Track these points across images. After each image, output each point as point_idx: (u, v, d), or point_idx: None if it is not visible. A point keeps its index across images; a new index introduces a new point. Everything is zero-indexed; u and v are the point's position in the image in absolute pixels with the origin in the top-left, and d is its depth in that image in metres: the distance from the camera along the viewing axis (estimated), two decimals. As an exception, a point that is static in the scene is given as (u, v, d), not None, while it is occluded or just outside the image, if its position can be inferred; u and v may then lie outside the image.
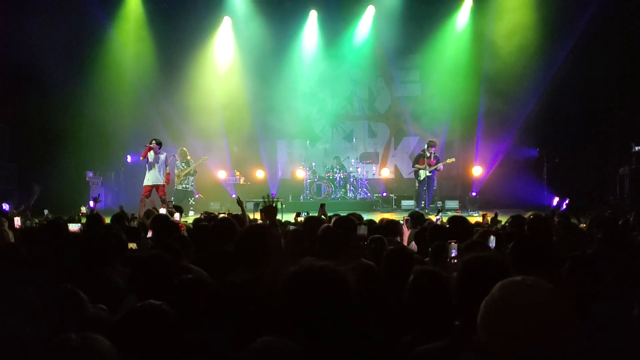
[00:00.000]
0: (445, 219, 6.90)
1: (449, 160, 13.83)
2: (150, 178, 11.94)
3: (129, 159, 16.53)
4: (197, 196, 15.02)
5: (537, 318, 1.59)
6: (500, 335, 1.63)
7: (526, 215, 6.33)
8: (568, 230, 5.65)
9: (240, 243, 3.32)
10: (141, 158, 12.08)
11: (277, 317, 2.20)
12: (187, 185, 13.88)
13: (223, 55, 17.28)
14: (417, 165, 13.67)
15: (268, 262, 3.25)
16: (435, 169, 13.55)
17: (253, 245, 3.25)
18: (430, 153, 13.56)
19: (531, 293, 1.63)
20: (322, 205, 7.12)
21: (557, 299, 1.63)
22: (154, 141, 12.01)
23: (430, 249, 4.10)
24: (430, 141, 13.74)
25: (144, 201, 11.56)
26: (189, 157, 13.94)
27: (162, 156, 12.08)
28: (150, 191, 11.89)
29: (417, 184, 13.82)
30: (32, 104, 13.73)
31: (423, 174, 13.47)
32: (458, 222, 5.16)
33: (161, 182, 11.92)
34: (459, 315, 2.27)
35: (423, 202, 13.50)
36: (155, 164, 11.90)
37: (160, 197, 11.77)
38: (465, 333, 2.05)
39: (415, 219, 6.62)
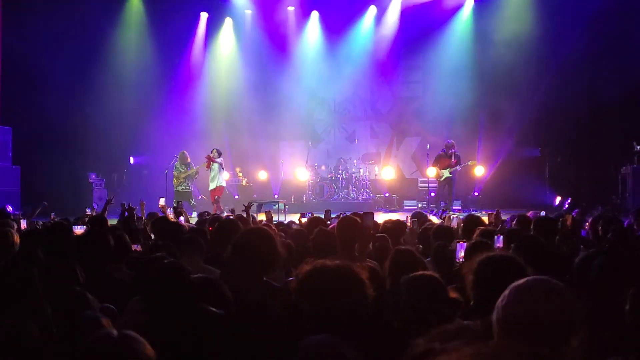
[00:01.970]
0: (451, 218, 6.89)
1: (470, 163, 13.83)
2: (212, 183, 13.52)
3: (131, 160, 16.56)
4: (199, 197, 15.04)
5: (553, 324, 1.60)
6: (517, 339, 1.64)
7: (528, 214, 6.35)
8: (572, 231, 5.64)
9: (236, 246, 3.29)
10: (206, 168, 13.63)
11: (290, 318, 2.20)
12: (186, 187, 13.93)
13: (225, 57, 17.31)
14: (437, 166, 13.63)
15: (266, 263, 3.22)
16: (455, 170, 13.52)
17: (251, 248, 3.21)
18: (452, 153, 13.53)
19: (548, 298, 1.65)
20: (328, 211, 7.14)
21: (573, 304, 1.65)
22: (215, 150, 13.61)
23: (432, 249, 4.11)
24: (448, 142, 13.68)
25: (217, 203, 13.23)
26: (189, 160, 14.00)
27: (220, 160, 13.57)
28: (215, 193, 13.43)
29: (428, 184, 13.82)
30: (35, 106, 13.77)
31: (444, 174, 13.44)
32: (473, 222, 5.16)
33: (223, 184, 13.66)
34: (477, 315, 2.28)
35: (447, 201, 13.46)
36: (213, 171, 13.49)
37: (216, 198, 13.34)
38: (485, 332, 2.05)
39: (421, 219, 6.64)
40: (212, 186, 13.54)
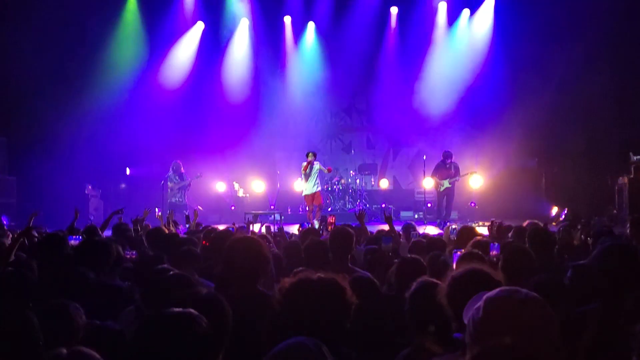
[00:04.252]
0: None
1: (470, 173, 13.74)
2: (308, 188, 12.93)
3: (128, 171, 16.53)
4: (196, 208, 14.99)
5: (525, 336, 1.58)
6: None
7: (524, 224, 6.33)
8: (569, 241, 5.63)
9: (226, 257, 3.29)
10: (303, 171, 12.90)
11: (277, 330, 2.19)
12: (180, 199, 13.91)
13: (221, 67, 17.35)
14: (435, 177, 13.54)
15: (260, 275, 3.21)
16: (455, 180, 13.37)
17: (243, 259, 3.20)
18: (449, 164, 13.42)
19: (518, 311, 1.63)
20: (324, 218, 7.14)
21: (543, 314, 1.63)
22: (310, 154, 12.89)
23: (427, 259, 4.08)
24: (446, 152, 13.47)
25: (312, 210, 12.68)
26: (182, 170, 14.00)
27: (317, 166, 13.01)
28: (312, 200, 12.82)
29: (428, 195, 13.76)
30: (30, 117, 13.75)
31: (444, 184, 13.34)
32: (467, 233, 5.14)
33: (319, 189, 13.07)
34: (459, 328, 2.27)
35: (445, 211, 13.34)
36: (313, 175, 12.90)
37: (318, 205, 12.75)
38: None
39: (407, 231, 6.67)
40: (309, 191, 12.95)
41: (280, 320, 2.14)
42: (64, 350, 1.72)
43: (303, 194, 13.26)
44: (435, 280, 2.92)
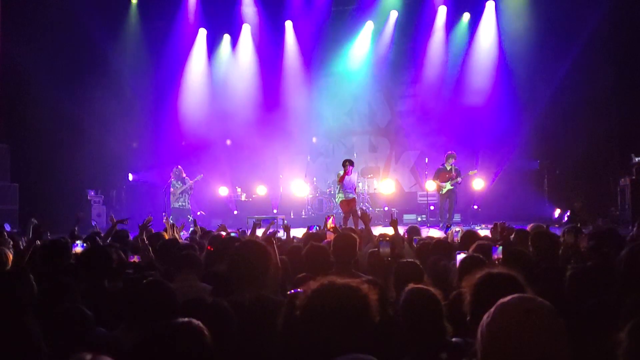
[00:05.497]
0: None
1: (470, 173, 13.70)
2: (344, 196, 12.32)
3: (130, 177, 16.54)
4: (198, 213, 15.00)
5: (534, 344, 1.57)
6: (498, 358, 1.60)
7: (528, 228, 6.30)
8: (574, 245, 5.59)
9: (234, 261, 3.29)
10: (339, 182, 12.34)
11: (291, 336, 2.17)
12: (183, 203, 13.91)
13: (223, 72, 17.38)
14: (437, 180, 13.52)
15: (266, 279, 3.21)
16: (456, 182, 13.37)
17: (248, 263, 3.20)
18: (451, 166, 13.38)
19: (529, 319, 1.61)
20: (328, 218, 7.11)
21: (554, 324, 1.61)
22: (347, 162, 12.27)
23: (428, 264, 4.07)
24: (449, 154, 13.48)
25: (348, 218, 12.04)
26: (184, 175, 14.01)
27: (354, 176, 12.42)
28: (347, 206, 12.23)
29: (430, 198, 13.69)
30: (32, 123, 13.77)
31: (446, 187, 13.32)
32: (471, 237, 5.12)
33: (354, 195, 12.42)
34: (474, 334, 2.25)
35: (448, 214, 13.30)
36: (349, 184, 12.34)
37: (352, 210, 12.15)
38: None
39: (411, 233, 6.64)
40: (343, 197, 12.32)
41: (300, 327, 2.10)
42: (88, 356, 1.69)
43: (338, 201, 12.64)
44: (424, 286, 2.90)
